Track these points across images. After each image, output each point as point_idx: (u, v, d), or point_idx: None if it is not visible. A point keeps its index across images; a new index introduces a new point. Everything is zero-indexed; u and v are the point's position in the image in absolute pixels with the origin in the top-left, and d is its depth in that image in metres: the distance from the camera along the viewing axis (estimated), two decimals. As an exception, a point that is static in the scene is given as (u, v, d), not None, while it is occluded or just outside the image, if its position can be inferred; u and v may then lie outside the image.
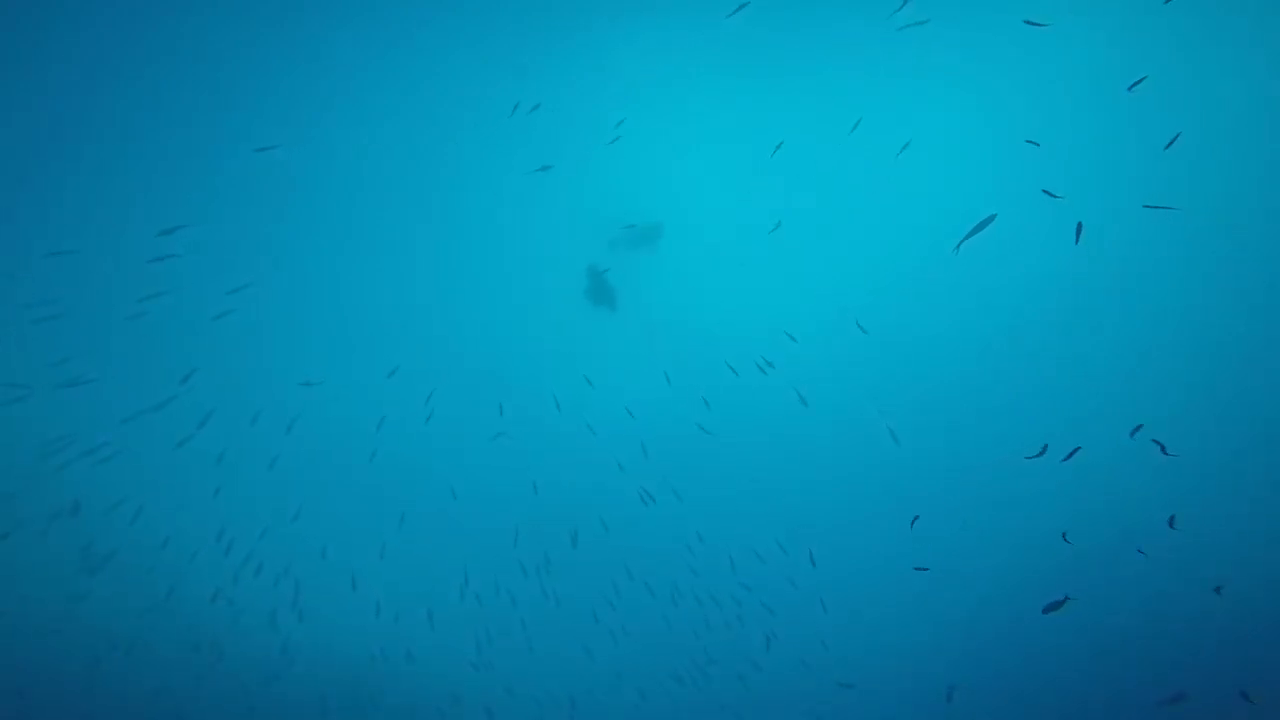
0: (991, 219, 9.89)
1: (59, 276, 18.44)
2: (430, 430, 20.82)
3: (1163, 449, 11.62)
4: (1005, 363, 22.33)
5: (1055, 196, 18.17)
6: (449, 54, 18.63)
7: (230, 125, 18.11)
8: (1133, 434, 19.75)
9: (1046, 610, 9.28)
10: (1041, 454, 13.50)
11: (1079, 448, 12.85)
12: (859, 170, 20.48)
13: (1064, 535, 18.73)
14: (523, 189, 20.32)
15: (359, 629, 20.14)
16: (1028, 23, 14.85)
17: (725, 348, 21.53)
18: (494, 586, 20.95)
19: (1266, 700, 19.12)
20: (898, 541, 22.42)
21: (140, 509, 17.97)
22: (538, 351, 21.83)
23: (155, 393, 18.64)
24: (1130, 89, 18.18)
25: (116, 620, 18.16)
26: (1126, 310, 21.87)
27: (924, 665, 23.18)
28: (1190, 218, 20.10)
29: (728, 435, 22.05)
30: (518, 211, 20.66)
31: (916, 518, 20.48)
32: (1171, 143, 16.61)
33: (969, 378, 22.48)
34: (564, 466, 21.95)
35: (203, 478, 19.31)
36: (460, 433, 21.56)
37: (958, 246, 20.04)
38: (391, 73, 18.38)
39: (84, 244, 18.12)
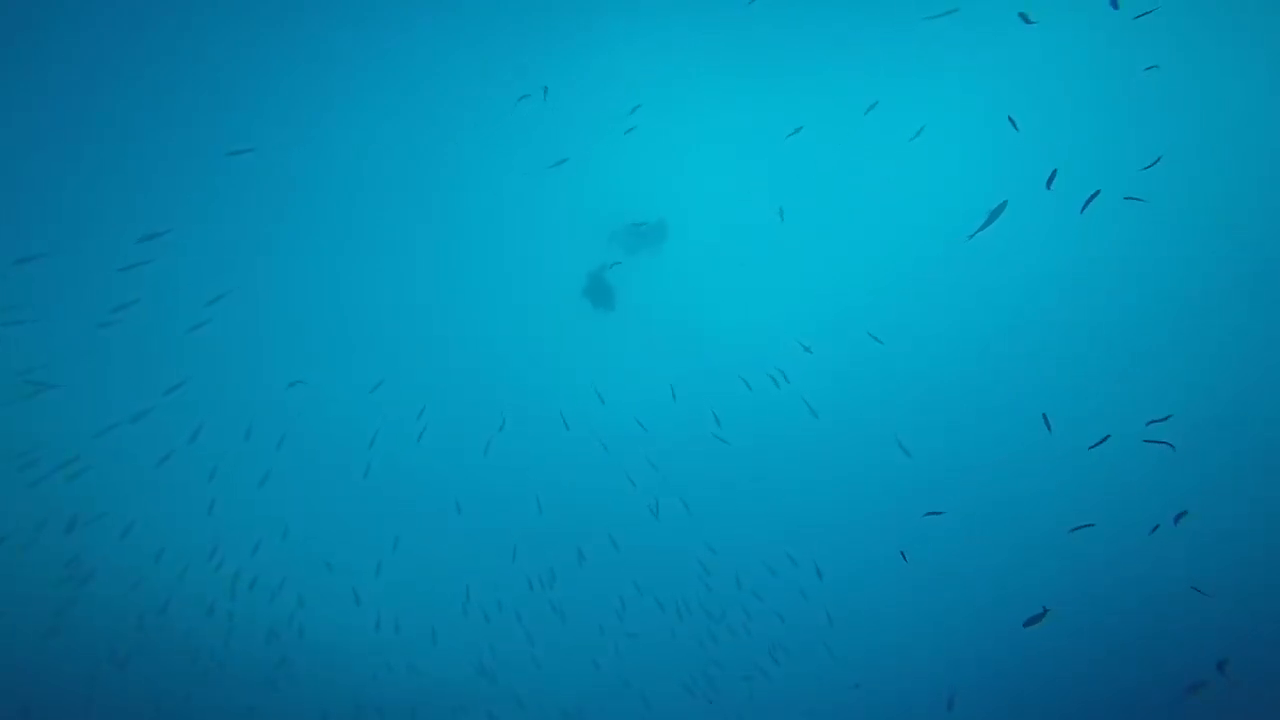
0: (1004, 206, 9.91)
1: (30, 282, 18.09)
2: (433, 442, 20.61)
3: (1171, 448, 11.58)
4: (1014, 368, 22.30)
5: (1047, 189, 18.14)
6: (447, 52, 18.38)
7: (216, 125, 17.71)
8: (1150, 424, 19.77)
9: (1027, 624, 9.29)
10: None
11: (1108, 435, 12.77)
12: (868, 172, 20.38)
13: (1071, 530, 18.72)
14: (524, 190, 20.10)
15: (361, 642, 19.95)
16: (1021, 16, 15.00)
17: (735, 356, 21.42)
18: (497, 601, 20.78)
19: (1264, 696, 19.24)
20: (908, 549, 22.46)
21: (131, 524, 17.71)
22: (541, 357, 21.63)
23: (139, 404, 18.31)
24: (1147, 70, 18.19)
25: (112, 633, 17.92)
26: (1127, 310, 21.90)
27: (932, 674, 23.24)
28: (1194, 217, 20.14)
29: (737, 444, 21.96)
30: (518, 213, 20.42)
31: (939, 513, 20.44)
32: (1151, 165, 16.70)
33: (981, 386, 22.45)
34: (572, 478, 21.77)
35: (195, 492, 19.02)
36: (463, 444, 21.34)
37: (972, 236, 20.04)
38: (391, 72, 18.10)
39: (56, 249, 17.75)
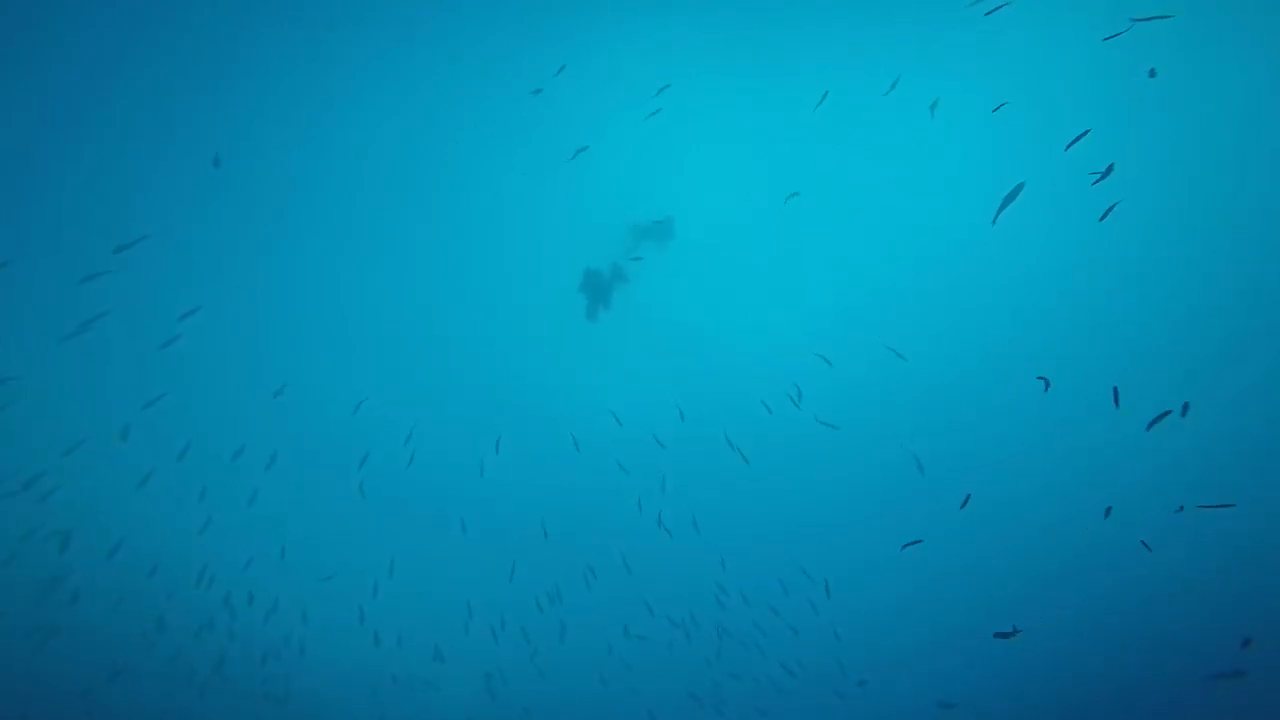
0: (1020, 188, 9.86)
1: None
2: (435, 458, 20.35)
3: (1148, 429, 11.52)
4: (1014, 368, 22.30)
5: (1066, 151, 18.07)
6: (447, 52, 18.09)
7: (214, 126, 17.28)
8: (1182, 414, 19.92)
9: (997, 636, 9.22)
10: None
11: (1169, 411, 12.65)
12: (872, 174, 20.30)
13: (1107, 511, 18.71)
14: (524, 190, 19.83)
15: (365, 659, 19.70)
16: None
17: (743, 363, 21.27)
18: (500, 620, 20.63)
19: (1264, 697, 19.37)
20: (911, 551, 22.47)
21: (121, 541, 17.38)
22: (547, 367, 21.38)
23: (125, 416, 17.97)
24: (1150, 75, 18.22)
25: (110, 648, 17.59)
26: (1127, 309, 21.97)
27: (934, 674, 23.28)
28: (1194, 217, 20.22)
29: (746, 450, 21.89)
30: (519, 217, 20.16)
31: (965, 501, 20.46)
32: (1106, 174, 16.76)
33: (981, 386, 22.43)
34: (581, 496, 21.59)
35: (189, 510, 18.70)
36: (468, 461, 21.09)
37: (994, 220, 20.02)
38: (390, 72, 17.79)
39: (22, 256, 17.30)
